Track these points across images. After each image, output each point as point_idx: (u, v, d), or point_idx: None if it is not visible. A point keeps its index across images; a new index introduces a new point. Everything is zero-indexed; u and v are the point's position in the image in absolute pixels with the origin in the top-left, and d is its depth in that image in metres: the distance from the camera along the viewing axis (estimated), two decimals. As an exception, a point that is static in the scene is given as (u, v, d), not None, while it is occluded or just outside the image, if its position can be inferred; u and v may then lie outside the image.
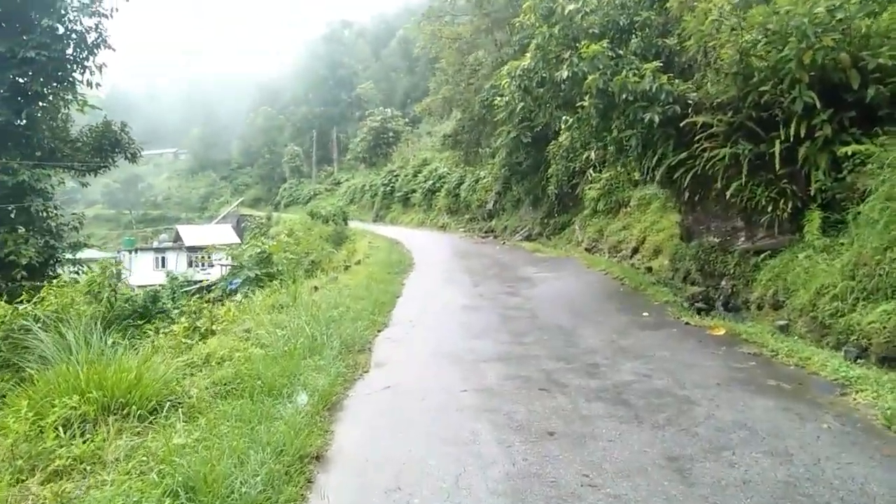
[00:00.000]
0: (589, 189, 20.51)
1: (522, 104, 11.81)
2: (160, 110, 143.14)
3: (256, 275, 14.02)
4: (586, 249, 19.02)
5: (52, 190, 15.18)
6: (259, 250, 14.69)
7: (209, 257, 43.30)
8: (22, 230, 14.67)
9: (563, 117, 12.49)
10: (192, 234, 52.74)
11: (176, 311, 20.51)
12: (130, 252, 53.17)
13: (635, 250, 15.85)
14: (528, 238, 24.83)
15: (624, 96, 9.79)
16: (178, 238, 54.27)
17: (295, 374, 5.60)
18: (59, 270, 15.81)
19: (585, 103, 10.16)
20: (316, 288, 11.11)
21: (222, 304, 10.19)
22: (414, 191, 43.00)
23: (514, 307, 9.88)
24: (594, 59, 10.06)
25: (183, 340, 7.36)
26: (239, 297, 14.97)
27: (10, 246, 13.90)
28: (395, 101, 76.44)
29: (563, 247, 20.81)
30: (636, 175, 12.54)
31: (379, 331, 8.64)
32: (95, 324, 5.76)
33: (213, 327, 8.04)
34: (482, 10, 31.37)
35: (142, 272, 48.67)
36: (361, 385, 6.04)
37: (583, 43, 10.71)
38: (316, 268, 15.07)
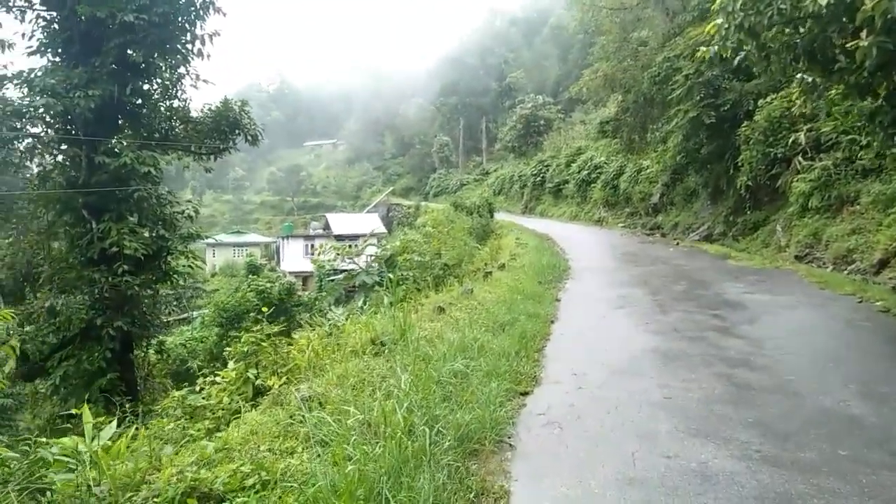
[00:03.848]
0: (797, 181, 15.91)
1: (744, 52, 8.00)
2: (323, 104, 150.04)
3: (375, 282, 11.45)
4: (796, 258, 14.60)
5: (159, 174, 13.55)
6: (380, 251, 12.20)
7: (356, 246, 42.85)
8: (134, 219, 13.16)
9: (799, 75, 8.44)
10: (341, 222, 52.74)
11: (317, 302, 18.68)
12: (285, 238, 54.36)
13: (883, 264, 11.38)
14: (708, 238, 20.64)
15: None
16: (327, 226, 54.59)
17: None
18: (173, 263, 14.27)
19: (864, 42, 6.21)
20: (441, 309, 8.17)
21: (304, 330, 7.49)
22: (566, 181, 39.55)
23: (742, 361, 6.23)
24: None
25: (227, 400, 4.74)
26: (360, 302, 12.57)
27: (114, 236, 12.35)
28: (546, 89, 72.73)
29: (760, 251, 16.47)
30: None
31: (525, 394, 5.49)
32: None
33: (271, 382, 5.38)
34: (652, -25, 27.23)
35: (293, 258, 49.37)
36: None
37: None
38: (449, 273, 12.25)
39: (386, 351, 5.97)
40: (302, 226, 72.29)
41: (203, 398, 5.65)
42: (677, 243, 20.67)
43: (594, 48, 34.68)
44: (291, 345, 6.45)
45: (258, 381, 5.64)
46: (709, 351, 6.64)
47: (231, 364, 6.14)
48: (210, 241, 70.72)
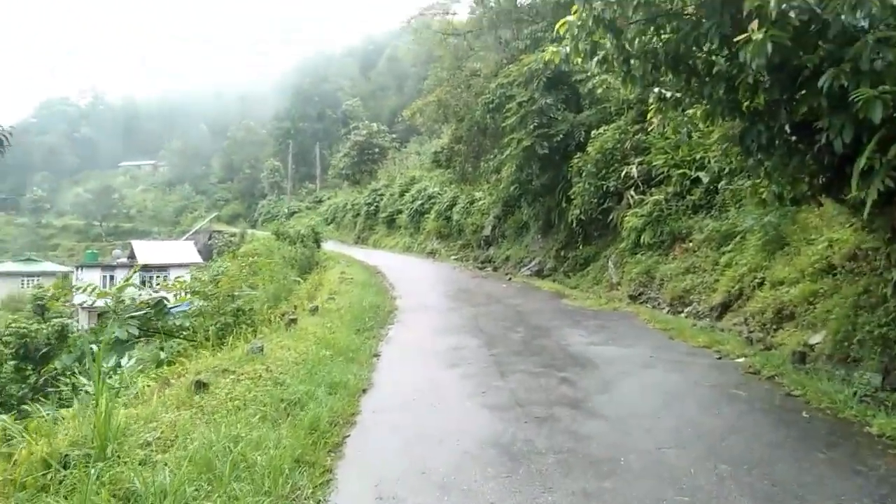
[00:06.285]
0: (629, 215, 15.42)
1: (601, 56, 6.59)
2: (142, 122, 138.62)
3: (130, 334, 8.68)
4: (630, 297, 13.88)
5: None
6: (141, 294, 9.44)
7: (165, 278, 37.96)
8: None
9: (657, 89, 7.20)
10: (149, 250, 47.02)
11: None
12: (80, 268, 47.54)
13: (725, 307, 10.68)
14: (539, 273, 19.91)
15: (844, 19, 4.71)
16: (133, 254, 48.53)
17: None
18: None
19: (756, 35, 4.82)
20: (202, 386, 5.73)
21: None
22: (400, 212, 38.34)
23: (610, 463, 4.48)
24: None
25: None
26: (126, 360, 9.64)
27: None
28: (382, 119, 72.00)
29: (591, 288, 15.73)
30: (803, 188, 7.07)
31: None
32: None
33: None
34: (484, 3, 27.01)
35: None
36: None
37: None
38: (243, 319, 9.73)
39: (61, 482, 3.51)
40: (109, 253, 64.60)
41: None
42: (510, 278, 19.72)
43: (428, 78, 34.07)
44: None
45: None
46: (564, 444, 4.86)
47: None
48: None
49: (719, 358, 7.59)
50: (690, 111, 7.16)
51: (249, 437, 4.47)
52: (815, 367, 6.68)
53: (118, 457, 3.80)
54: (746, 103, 6.23)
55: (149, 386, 5.95)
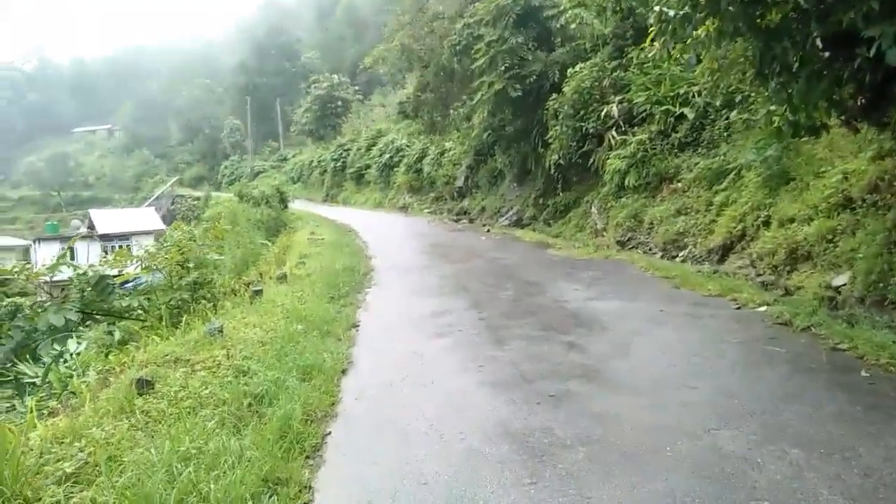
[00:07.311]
0: (612, 157, 14.60)
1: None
2: (93, 83, 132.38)
3: (67, 320, 7.65)
4: (619, 243, 13.19)
5: None
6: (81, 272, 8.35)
7: (127, 247, 36.32)
8: None
9: (658, 7, 6.23)
10: (108, 219, 44.93)
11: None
12: (37, 242, 45.37)
13: (726, 250, 9.94)
14: (518, 223, 19.17)
15: None
16: (92, 224, 46.40)
17: None
18: None
19: None
20: (146, 384, 4.73)
21: None
22: (368, 167, 37.10)
23: (653, 452, 3.68)
24: None
25: None
26: (74, 346, 8.61)
27: None
28: (343, 71, 69.28)
29: (576, 236, 15.04)
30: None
31: None
32: None
33: None
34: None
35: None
36: None
37: None
38: (201, 294, 8.66)
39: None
40: (70, 224, 62.06)
41: None
42: (488, 230, 18.93)
43: (388, 24, 32.47)
44: None
45: None
46: (592, 431, 4.00)
47: None
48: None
49: (738, 308, 6.83)
50: (696, 32, 6.19)
51: (203, 452, 3.57)
52: (851, 312, 5.94)
53: (23, 502, 2.89)
54: (759, 19, 5.34)
55: (86, 384, 4.97)
